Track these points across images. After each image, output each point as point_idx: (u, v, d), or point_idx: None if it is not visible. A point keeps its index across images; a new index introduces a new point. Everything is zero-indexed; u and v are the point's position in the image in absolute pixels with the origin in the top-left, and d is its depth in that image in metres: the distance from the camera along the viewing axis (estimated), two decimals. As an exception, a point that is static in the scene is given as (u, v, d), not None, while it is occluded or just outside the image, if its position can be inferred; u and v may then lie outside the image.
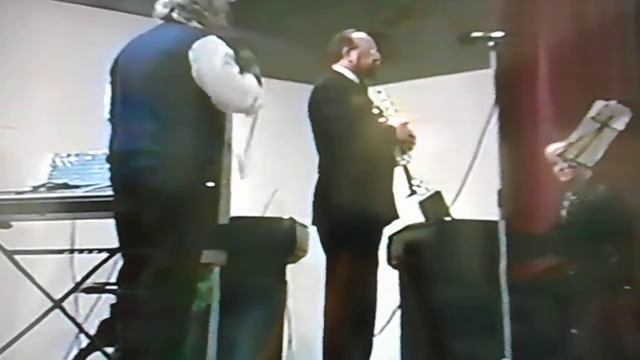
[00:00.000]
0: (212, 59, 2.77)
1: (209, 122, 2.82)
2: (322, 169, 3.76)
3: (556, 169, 4.18)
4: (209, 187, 2.84)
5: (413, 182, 3.70)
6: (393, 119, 3.77)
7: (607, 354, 3.86)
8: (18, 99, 4.85)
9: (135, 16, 4.90)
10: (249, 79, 2.85)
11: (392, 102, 3.84)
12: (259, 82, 2.94)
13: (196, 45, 2.77)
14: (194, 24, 2.93)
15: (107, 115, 3.03)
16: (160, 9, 2.97)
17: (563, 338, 3.65)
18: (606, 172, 3.95)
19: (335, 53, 3.90)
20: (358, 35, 3.92)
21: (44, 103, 4.78)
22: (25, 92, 4.87)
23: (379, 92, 3.89)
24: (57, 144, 4.17)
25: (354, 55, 3.87)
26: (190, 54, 2.76)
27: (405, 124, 3.75)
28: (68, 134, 4.56)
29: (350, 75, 3.87)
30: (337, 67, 3.89)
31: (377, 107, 3.84)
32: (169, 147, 2.74)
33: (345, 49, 3.88)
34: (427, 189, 3.70)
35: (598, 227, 3.86)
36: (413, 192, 3.68)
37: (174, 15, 2.94)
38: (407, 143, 3.75)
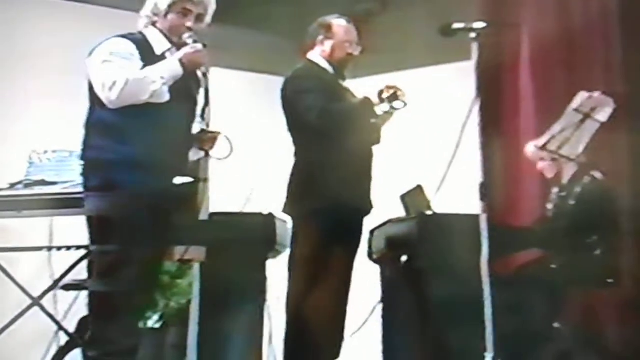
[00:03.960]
0: (93, 59, 3.03)
1: (110, 121, 2.99)
2: (298, 158, 3.72)
3: (540, 165, 4.16)
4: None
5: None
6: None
7: (590, 347, 3.86)
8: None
9: (118, 11, 4.84)
10: (113, 71, 2.96)
11: None
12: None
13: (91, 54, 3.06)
14: (149, 29, 3.15)
15: None
16: None
17: (547, 332, 3.64)
18: (591, 164, 3.93)
19: (312, 40, 3.81)
20: (338, 23, 3.78)
21: (20, 99, 4.72)
22: (1, 88, 4.80)
23: None
24: (34, 140, 4.13)
25: (327, 45, 3.77)
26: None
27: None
28: (45, 130, 4.49)
29: (323, 64, 3.78)
30: (311, 55, 3.81)
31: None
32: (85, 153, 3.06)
33: (320, 37, 3.78)
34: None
35: (582, 218, 3.85)
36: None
37: (139, 26, 3.19)
38: (388, 92, 3.56)
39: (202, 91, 3.19)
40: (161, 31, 3.14)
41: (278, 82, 3.84)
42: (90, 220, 3.06)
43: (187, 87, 3.08)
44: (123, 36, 3.09)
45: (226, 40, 5.46)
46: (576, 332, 3.77)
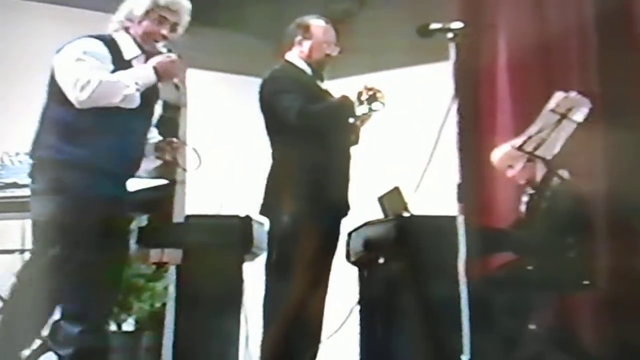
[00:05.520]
0: (64, 55, 2.98)
1: (79, 122, 2.93)
2: (275, 160, 3.70)
3: (510, 173, 4.11)
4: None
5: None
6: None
7: (565, 349, 3.86)
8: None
9: (99, 14, 4.78)
10: (87, 70, 2.91)
11: None
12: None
13: (58, 52, 3.01)
14: (120, 34, 3.10)
15: None
16: None
17: (522, 334, 3.64)
18: (558, 164, 3.92)
19: (290, 40, 3.79)
20: (316, 24, 3.76)
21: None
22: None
23: None
24: (7, 142, 4.08)
25: (306, 45, 3.75)
26: (54, 61, 3.01)
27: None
28: (18, 132, 4.43)
29: (301, 64, 3.76)
30: (289, 55, 3.79)
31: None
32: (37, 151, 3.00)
33: (298, 38, 3.76)
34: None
35: (555, 220, 3.84)
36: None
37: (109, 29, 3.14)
38: (367, 93, 3.55)
39: (159, 101, 3.21)
40: (133, 37, 3.10)
41: (255, 83, 3.81)
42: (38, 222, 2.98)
43: (146, 96, 3.05)
44: (95, 37, 3.05)
45: (203, 41, 5.45)
46: (551, 333, 3.77)
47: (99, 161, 2.92)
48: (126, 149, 3.04)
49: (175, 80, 3.11)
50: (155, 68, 3.01)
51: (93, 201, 2.91)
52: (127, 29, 3.10)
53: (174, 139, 3.22)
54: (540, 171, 4.00)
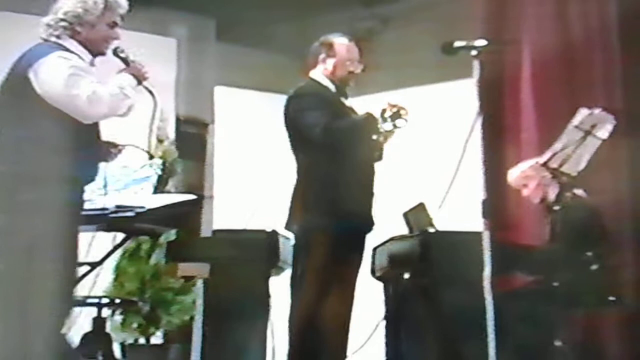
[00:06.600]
0: (54, 77, 2.83)
1: (64, 134, 2.83)
2: (300, 175, 3.74)
3: (525, 193, 4.10)
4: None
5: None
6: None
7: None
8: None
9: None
10: (98, 88, 2.85)
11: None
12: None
13: (36, 64, 2.84)
14: (67, 40, 2.96)
15: None
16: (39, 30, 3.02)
17: (547, 350, 3.63)
18: (573, 182, 3.89)
19: (314, 58, 3.85)
20: (339, 42, 3.81)
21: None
22: None
23: None
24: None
25: (329, 63, 3.79)
26: (31, 74, 2.83)
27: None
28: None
29: (325, 82, 3.81)
30: (313, 73, 3.84)
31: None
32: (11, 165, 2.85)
33: (322, 56, 3.81)
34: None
35: (570, 234, 3.81)
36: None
37: (44, 35, 2.97)
38: (391, 110, 3.57)
39: None
40: (80, 42, 2.97)
41: (280, 99, 3.87)
42: None
43: None
44: (58, 48, 2.91)
45: (229, 59, 5.53)
46: (577, 349, 3.76)
47: (84, 170, 2.92)
48: (97, 155, 3.05)
49: (148, 86, 3.07)
50: (133, 75, 3.00)
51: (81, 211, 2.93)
52: (74, 35, 2.96)
53: (112, 141, 3.19)
54: (554, 190, 3.98)
